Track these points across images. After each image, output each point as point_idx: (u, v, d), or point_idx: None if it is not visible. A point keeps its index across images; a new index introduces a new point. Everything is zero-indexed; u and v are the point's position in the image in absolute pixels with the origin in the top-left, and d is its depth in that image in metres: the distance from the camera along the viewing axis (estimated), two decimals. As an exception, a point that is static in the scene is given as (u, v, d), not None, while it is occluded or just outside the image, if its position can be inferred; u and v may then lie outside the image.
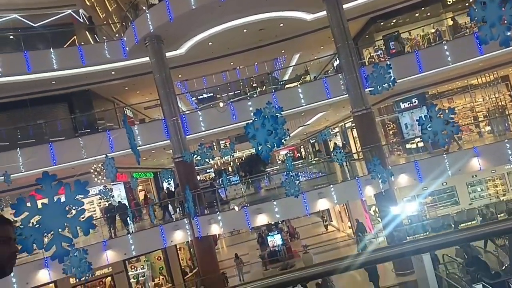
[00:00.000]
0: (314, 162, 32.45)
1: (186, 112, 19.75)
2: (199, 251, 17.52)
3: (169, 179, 17.68)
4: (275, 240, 21.87)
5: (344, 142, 26.41)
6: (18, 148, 15.90)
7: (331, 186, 16.08)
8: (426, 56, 16.69)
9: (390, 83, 9.66)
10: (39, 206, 3.25)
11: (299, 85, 20.46)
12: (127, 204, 19.96)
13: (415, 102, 20.21)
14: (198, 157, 14.11)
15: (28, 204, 3.23)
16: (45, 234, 3.44)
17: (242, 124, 17.98)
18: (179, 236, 17.26)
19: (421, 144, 19.35)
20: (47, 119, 18.81)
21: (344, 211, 23.52)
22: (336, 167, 19.36)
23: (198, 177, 24.82)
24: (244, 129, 5.45)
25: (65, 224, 3.28)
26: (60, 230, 3.35)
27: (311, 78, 24.00)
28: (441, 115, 7.15)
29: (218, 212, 16.85)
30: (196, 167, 20.59)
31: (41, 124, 18.39)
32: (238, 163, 27.33)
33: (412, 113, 20.23)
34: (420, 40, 19.62)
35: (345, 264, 2.44)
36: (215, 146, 28.04)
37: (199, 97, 34.46)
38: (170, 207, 19.28)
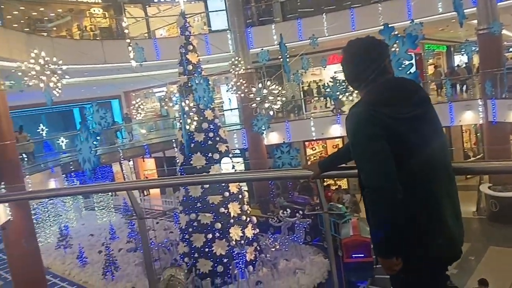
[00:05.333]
0: None
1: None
2: (489, 138, 15.85)
3: (468, 54, 15.70)
4: None
5: None
6: (324, 14, 17.24)
7: None
8: None
9: None
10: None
11: None
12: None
13: None
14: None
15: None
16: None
17: None
18: (468, 117, 16.11)
19: None
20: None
21: None
22: None
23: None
24: None
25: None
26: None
27: None
28: None
29: (524, 98, 14.31)
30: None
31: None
32: None
33: None
34: None
35: None
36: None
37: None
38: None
